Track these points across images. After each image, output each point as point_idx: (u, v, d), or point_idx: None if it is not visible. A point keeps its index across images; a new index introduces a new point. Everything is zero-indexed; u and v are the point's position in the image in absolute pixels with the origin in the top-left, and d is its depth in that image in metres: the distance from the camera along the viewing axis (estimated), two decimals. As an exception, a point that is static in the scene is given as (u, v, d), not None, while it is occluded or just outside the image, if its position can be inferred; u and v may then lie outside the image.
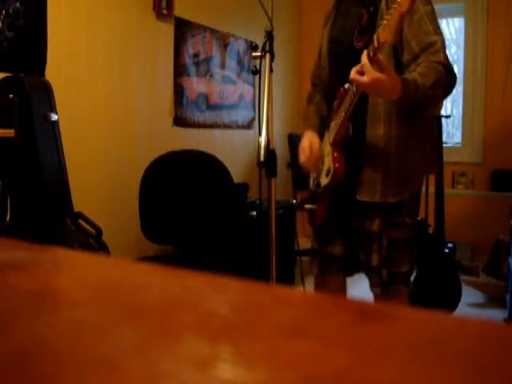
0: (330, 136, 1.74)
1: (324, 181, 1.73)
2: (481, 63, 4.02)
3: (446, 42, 1.63)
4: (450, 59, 1.65)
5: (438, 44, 1.60)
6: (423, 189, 3.21)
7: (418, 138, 1.72)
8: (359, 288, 1.96)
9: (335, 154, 1.66)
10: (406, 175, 1.71)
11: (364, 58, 1.41)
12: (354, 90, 1.52)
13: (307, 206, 1.89)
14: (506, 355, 0.27)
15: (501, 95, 3.93)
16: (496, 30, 3.95)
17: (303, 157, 1.82)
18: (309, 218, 1.94)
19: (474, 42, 4.04)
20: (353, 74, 1.44)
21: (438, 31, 1.62)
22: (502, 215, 3.54)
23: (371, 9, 1.64)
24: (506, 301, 2.95)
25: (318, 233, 1.89)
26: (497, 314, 2.96)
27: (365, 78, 1.41)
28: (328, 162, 1.70)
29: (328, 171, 1.69)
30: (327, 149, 1.73)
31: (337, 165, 1.65)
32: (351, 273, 1.90)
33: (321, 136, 1.84)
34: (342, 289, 1.92)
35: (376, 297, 1.74)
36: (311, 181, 1.92)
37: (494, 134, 3.98)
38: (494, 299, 3.19)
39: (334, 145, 1.68)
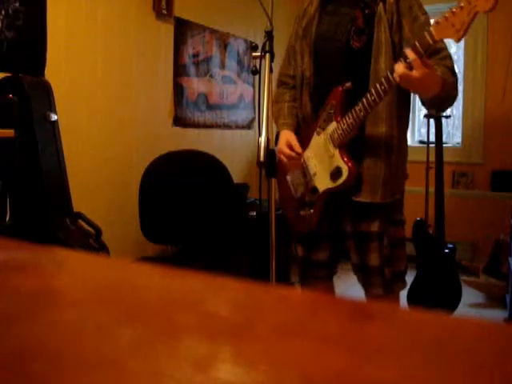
0: (327, 137, 1.70)
1: (327, 184, 1.69)
2: (481, 63, 4.02)
3: (446, 42, 1.64)
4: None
5: (445, 51, 1.62)
6: (423, 189, 3.24)
7: (406, 139, 1.79)
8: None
9: (345, 158, 1.64)
10: (402, 174, 1.76)
11: (412, 53, 1.40)
12: (385, 86, 1.49)
13: (303, 212, 1.81)
14: (506, 355, 0.27)
15: (501, 95, 3.93)
16: (496, 30, 3.94)
17: (284, 157, 1.78)
18: (297, 226, 1.86)
19: (474, 42, 4.04)
20: (401, 69, 1.42)
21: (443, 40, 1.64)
22: (502, 215, 3.54)
23: (366, 11, 1.64)
24: (506, 301, 2.95)
25: (304, 239, 1.85)
26: (497, 314, 2.96)
27: (415, 73, 1.40)
28: (334, 164, 1.67)
29: (336, 174, 1.66)
30: (330, 151, 1.69)
31: (350, 164, 1.62)
32: (332, 276, 1.91)
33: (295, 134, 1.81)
34: (330, 292, 1.93)
35: (373, 297, 1.73)
36: (291, 188, 1.87)
37: (493, 134, 3.98)
38: (494, 299, 3.19)
39: (341, 146, 1.66)
